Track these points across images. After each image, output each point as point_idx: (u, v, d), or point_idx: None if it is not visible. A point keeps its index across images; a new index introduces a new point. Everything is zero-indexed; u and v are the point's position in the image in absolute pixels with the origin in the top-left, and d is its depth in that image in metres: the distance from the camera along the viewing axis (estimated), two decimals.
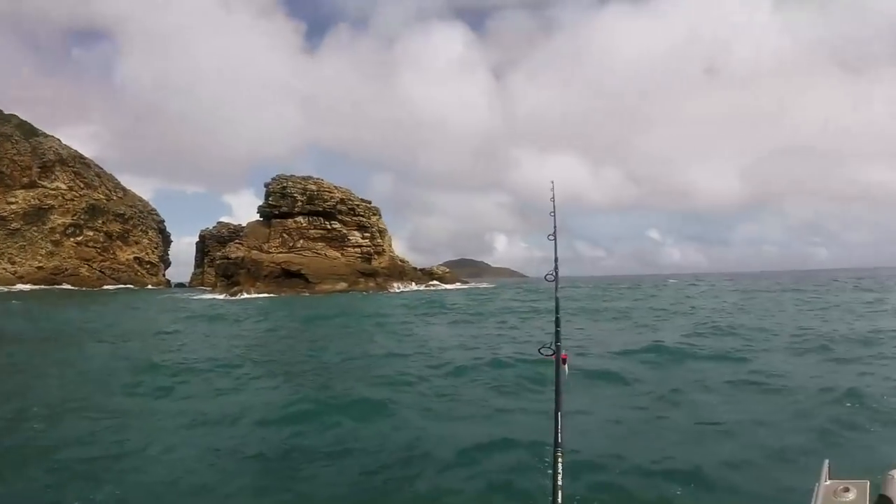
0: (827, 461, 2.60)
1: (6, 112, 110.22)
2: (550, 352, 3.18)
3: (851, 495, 2.40)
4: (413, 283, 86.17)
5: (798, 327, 21.30)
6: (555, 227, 5.36)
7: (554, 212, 5.73)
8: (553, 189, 5.98)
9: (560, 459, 2.32)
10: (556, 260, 4.85)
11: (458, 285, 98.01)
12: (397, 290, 79.52)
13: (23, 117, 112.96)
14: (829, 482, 2.53)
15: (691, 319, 25.93)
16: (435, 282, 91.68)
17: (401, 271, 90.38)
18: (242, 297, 73.49)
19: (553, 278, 4.61)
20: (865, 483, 2.49)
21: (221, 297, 74.30)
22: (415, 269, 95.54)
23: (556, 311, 4.05)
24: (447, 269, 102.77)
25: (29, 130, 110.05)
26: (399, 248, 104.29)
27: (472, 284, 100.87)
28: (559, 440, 2.44)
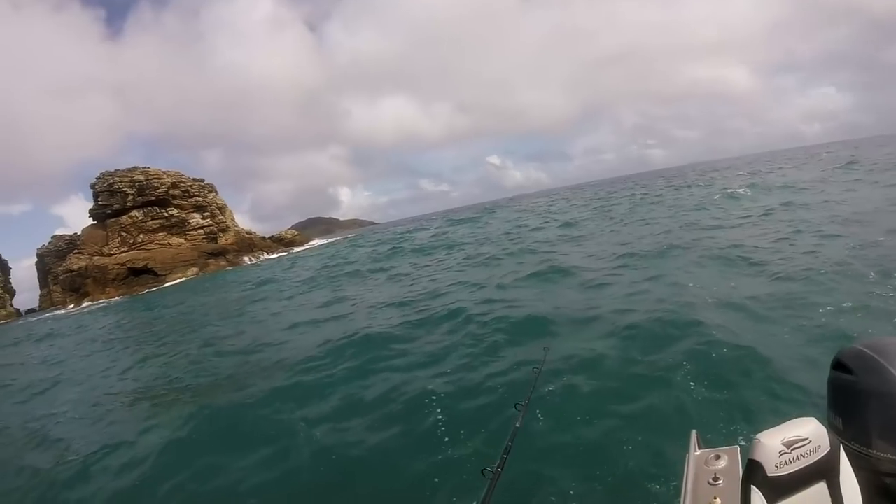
0: (694, 431, 2.63)
1: None
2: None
3: (723, 462, 2.47)
4: (264, 253, 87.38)
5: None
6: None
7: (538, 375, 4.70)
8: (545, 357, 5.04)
9: None
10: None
11: (317, 241, 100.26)
12: (251, 263, 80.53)
13: None
14: (699, 452, 2.58)
15: None
16: (289, 248, 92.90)
17: (250, 244, 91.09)
18: (87, 305, 72.75)
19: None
20: (735, 449, 2.57)
21: (73, 308, 73.03)
22: (263, 238, 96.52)
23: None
24: (297, 232, 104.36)
25: None
26: (243, 220, 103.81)
27: (327, 241, 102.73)
28: (488, 499, 2.41)
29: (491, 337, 10.14)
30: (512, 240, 28.49)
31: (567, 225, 31.01)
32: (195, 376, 12.64)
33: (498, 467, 2.77)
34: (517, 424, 3.43)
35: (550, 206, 57.65)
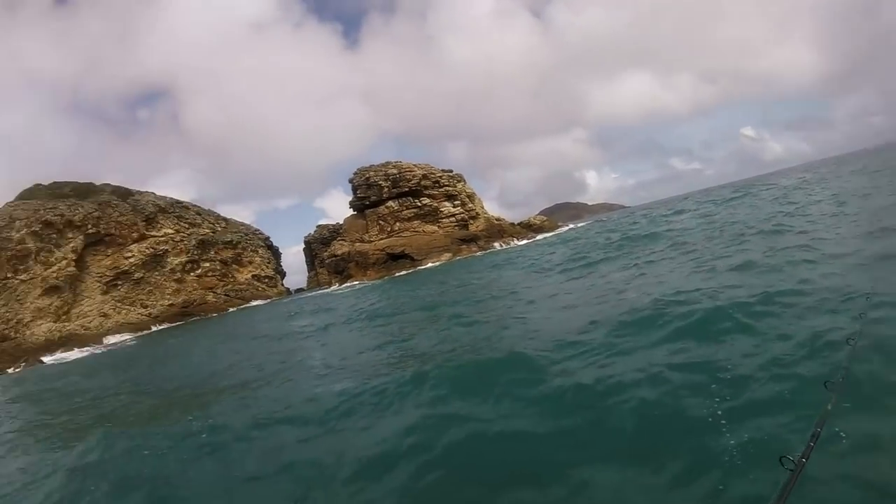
0: None
1: (99, 183, 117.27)
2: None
3: None
4: (514, 239, 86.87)
5: None
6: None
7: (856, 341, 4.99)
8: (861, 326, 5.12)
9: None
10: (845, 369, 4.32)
11: (566, 226, 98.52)
12: (501, 248, 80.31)
13: (114, 183, 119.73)
14: None
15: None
16: (538, 233, 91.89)
17: (499, 230, 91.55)
18: (350, 285, 77.29)
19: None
20: None
21: (338, 288, 78.21)
22: (512, 224, 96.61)
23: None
24: (545, 218, 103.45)
25: (124, 193, 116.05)
26: (491, 208, 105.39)
27: (576, 225, 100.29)
28: (788, 492, 2.13)
29: (787, 310, 9.18)
30: (787, 219, 24.01)
31: (843, 203, 25.18)
32: (462, 346, 12.92)
33: (802, 457, 2.46)
34: (828, 406, 2.99)
35: (822, 181, 49.54)
